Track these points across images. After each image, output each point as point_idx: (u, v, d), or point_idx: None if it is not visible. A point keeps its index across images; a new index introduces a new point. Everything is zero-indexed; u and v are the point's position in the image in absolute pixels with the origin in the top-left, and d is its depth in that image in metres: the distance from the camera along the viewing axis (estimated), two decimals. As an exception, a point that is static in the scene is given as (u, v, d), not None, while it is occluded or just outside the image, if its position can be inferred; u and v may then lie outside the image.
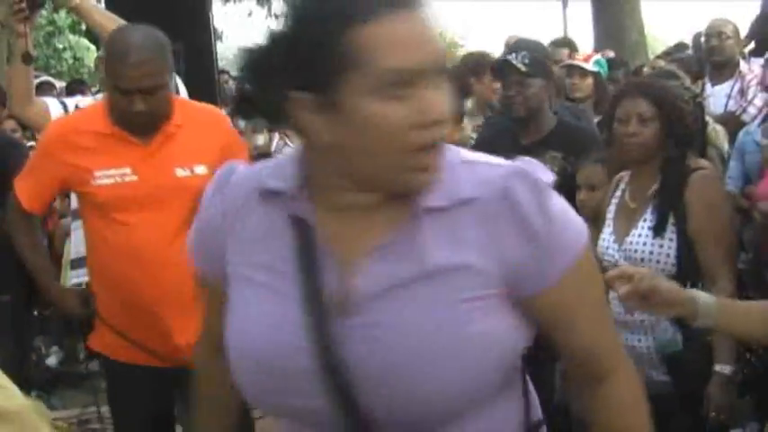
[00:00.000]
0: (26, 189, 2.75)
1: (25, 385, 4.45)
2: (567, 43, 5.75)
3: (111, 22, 3.19)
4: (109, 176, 2.57)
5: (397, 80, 1.18)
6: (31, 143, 5.57)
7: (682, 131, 2.79)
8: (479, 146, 3.70)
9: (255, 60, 1.26)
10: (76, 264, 3.27)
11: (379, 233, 1.27)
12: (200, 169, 2.62)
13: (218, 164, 2.59)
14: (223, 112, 4.99)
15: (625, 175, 2.98)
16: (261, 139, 4.71)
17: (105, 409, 4.30)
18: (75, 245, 3.28)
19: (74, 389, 5.29)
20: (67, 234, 4.07)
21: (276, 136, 4.33)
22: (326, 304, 1.26)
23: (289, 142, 4.28)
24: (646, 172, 2.85)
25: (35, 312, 4.97)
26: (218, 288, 1.39)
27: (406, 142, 1.20)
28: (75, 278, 3.30)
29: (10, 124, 5.17)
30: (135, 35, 2.58)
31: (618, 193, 2.96)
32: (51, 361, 5.62)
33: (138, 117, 2.55)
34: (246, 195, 1.36)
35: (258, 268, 1.33)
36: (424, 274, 1.26)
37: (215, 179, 1.45)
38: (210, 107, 3.04)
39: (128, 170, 2.57)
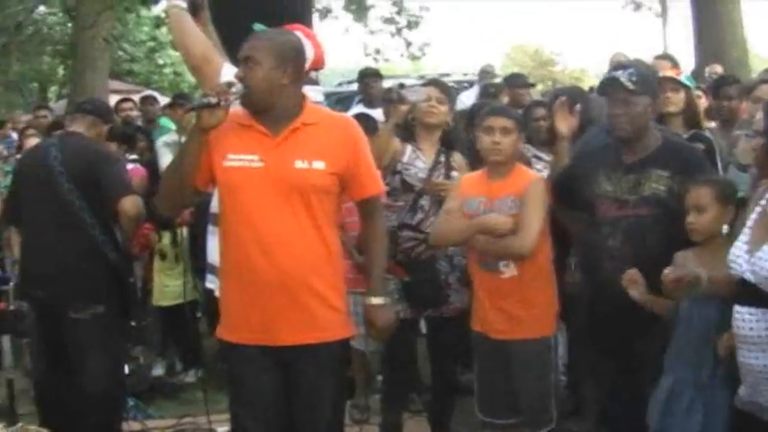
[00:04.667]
0: None
1: (122, 393, 4.55)
2: (668, 57, 5.59)
3: (199, 44, 3.35)
4: (239, 160, 2.84)
5: None
6: (134, 156, 5.71)
7: None
8: (580, 160, 3.59)
9: None
10: (211, 269, 3.47)
11: None
12: (318, 164, 2.83)
13: (339, 165, 2.89)
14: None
15: None
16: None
17: (201, 420, 4.41)
18: (210, 251, 3.43)
19: (171, 400, 5.39)
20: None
21: (408, 148, 4.09)
22: None
23: (421, 156, 4.05)
24: None
25: (133, 323, 5.05)
26: None
27: None
28: (210, 283, 3.52)
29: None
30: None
31: (763, 201, 2.74)
32: (156, 371, 5.70)
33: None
34: None
35: None
36: None
37: None
38: (345, 116, 3.31)
39: (256, 157, 2.82)
